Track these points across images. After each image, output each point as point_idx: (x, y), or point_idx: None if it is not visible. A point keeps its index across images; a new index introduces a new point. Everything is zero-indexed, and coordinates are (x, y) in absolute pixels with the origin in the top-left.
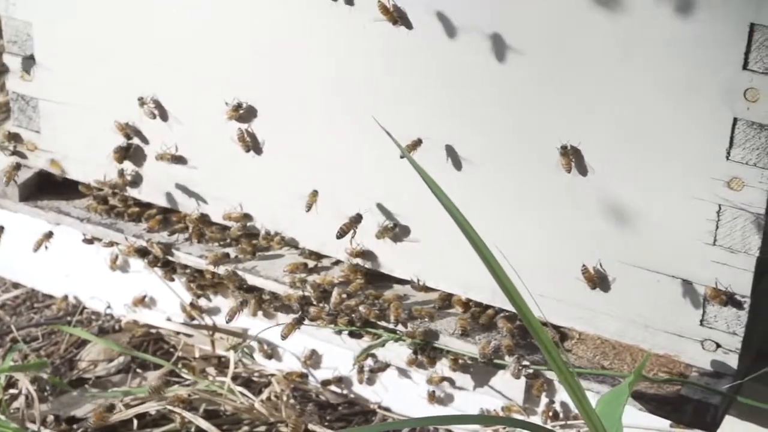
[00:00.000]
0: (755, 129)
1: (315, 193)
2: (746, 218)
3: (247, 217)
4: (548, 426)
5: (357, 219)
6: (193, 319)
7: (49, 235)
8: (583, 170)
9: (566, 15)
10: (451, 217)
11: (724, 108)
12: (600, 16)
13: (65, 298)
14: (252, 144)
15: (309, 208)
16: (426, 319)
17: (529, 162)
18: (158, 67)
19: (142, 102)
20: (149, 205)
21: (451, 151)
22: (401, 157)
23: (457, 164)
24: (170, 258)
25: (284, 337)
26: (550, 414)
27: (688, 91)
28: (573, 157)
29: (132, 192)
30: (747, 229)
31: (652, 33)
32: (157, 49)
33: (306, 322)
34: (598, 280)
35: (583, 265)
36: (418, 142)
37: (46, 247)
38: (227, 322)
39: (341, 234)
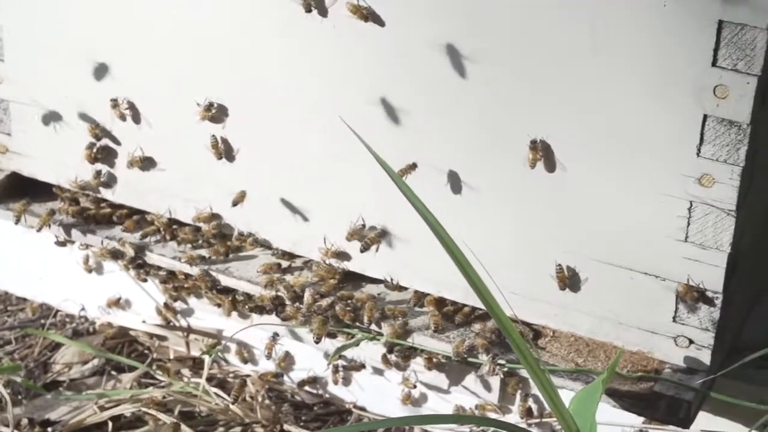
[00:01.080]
0: (725, 126)
1: (243, 194)
2: (717, 215)
3: (215, 217)
4: (524, 423)
5: (381, 234)
6: (167, 320)
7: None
8: (552, 166)
9: (535, 13)
10: (420, 216)
11: (693, 105)
12: (568, 13)
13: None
14: (224, 152)
15: (235, 204)
16: (401, 318)
17: (500, 160)
18: (129, 68)
19: (115, 104)
20: (121, 207)
21: (418, 149)
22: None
23: (426, 163)
24: (143, 259)
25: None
26: (526, 411)
27: (658, 89)
28: (542, 153)
29: (105, 193)
30: (718, 225)
31: (621, 30)
32: (127, 51)
33: (280, 321)
34: (570, 281)
35: (558, 265)
36: (412, 166)
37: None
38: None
39: (365, 248)
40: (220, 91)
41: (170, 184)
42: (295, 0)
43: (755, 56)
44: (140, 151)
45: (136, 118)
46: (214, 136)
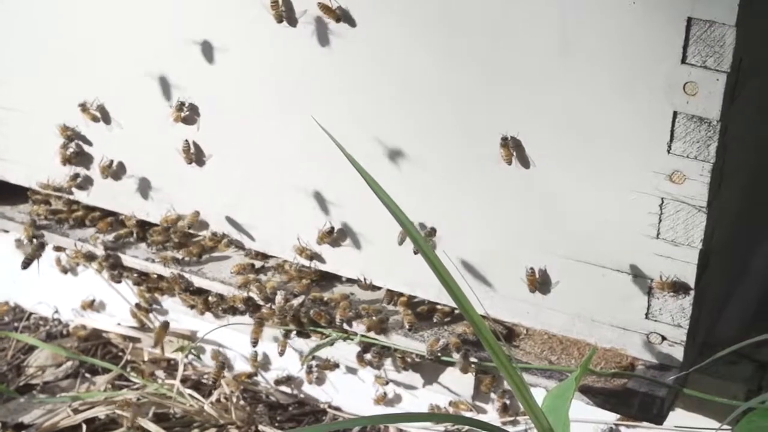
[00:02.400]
0: (695, 122)
1: (196, 214)
2: (688, 211)
3: (180, 217)
4: (500, 420)
5: (431, 233)
6: (142, 322)
7: None
8: (524, 162)
9: (505, 11)
10: (392, 215)
11: (664, 102)
12: (537, 11)
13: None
14: (195, 157)
15: (189, 227)
16: (375, 316)
17: (471, 157)
18: (100, 71)
19: (84, 107)
20: (94, 209)
21: (391, 148)
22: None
23: (399, 162)
24: (116, 259)
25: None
26: (502, 407)
27: (628, 86)
28: (514, 149)
29: (79, 195)
30: (689, 222)
31: (590, 28)
32: (99, 53)
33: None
34: (540, 285)
35: (531, 268)
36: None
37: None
38: None
39: (402, 240)
40: (192, 92)
41: (143, 186)
42: (266, 10)
43: (724, 53)
44: (107, 159)
45: (107, 119)
46: (186, 141)
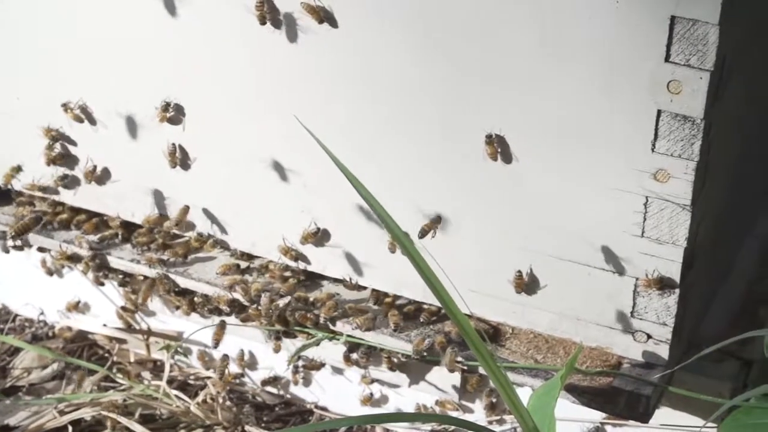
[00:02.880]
0: (679, 121)
1: (186, 209)
2: (673, 209)
3: (163, 218)
4: (487, 419)
5: (437, 220)
6: (128, 323)
7: None
8: (508, 159)
9: (489, 11)
10: (376, 215)
11: (647, 100)
12: (520, 10)
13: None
14: (180, 160)
15: (177, 223)
16: (361, 315)
17: (455, 158)
18: (84, 71)
19: (66, 107)
20: (79, 211)
21: (375, 148)
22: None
23: (383, 161)
24: (101, 259)
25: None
26: (489, 406)
27: (612, 85)
28: (498, 146)
29: (64, 196)
30: (674, 220)
31: (574, 27)
32: (80, 54)
33: (240, 322)
34: (527, 286)
35: (519, 271)
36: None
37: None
38: None
39: (422, 234)
40: (176, 93)
41: (128, 187)
42: (250, 12)
43: (707, 51)
44: (91, 163)
45: (91, 120)
46: (173, 144)
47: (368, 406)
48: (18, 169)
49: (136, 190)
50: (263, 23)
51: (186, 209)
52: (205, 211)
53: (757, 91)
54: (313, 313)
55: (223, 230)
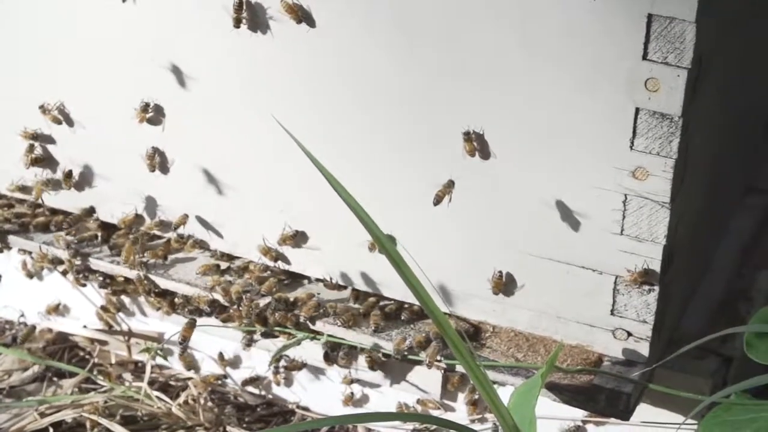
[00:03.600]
0: (657, 118)
1: (185, 216)
2: (652, 207)
3: (139, 218)
4: (468, 418)
5: (450, 184)
6: (109, 325)
7: None
8: (486, 156)
9: (465, 10)
10: (354, 214)
11: (625, 98)
12: (497, 9)
13: None
14: (159, 164)
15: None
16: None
17: (433, 157)
18: (62, 72)
19: (44, 109)
20: (57, 212)
21: (354, 148)
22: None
23: (361, 162)
24: (84, 262)
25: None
26: (471, 403)
27: (590, 83)
28: (477, 143)
29: (45, 198)
30: (653, 217)
31: (551, 26)
32: (61, 55)
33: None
34: (504, 287)
35: (499, 272)
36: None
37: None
38: None
39: (438, 201)
40: (154, 93)
41: (107, 188)
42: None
43: (685, 49)
44: (67, 168)
45: (70, 122)
46: (152, 147)
47: (350, 406)
48: None
49: (115, 191)
50: (237, 27)
51: (185, 216)
52: (186, 212)
53: (735, 88)
54: (294, 314)
55: (202, 230)
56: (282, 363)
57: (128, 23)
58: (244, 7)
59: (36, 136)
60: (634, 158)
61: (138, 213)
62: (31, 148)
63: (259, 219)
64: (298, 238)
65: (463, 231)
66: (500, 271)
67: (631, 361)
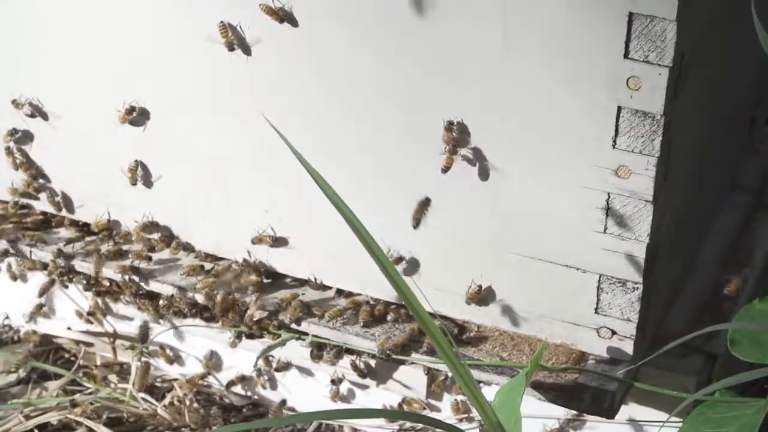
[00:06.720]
0: (639, 117)
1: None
2: (635, 205)
3: (111, 222)
4: (454, 417)
5: (426, 202)
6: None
7: None
8: (464, 144)
9: (446, 8)
10: (340, 213)
11: (607, 97)
12: (479, 8)
13: None
14: (142, 178)
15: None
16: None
17: (416, 156)
18: (44, 73)
19: (16, 104)
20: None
21: (339, 148)
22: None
23: (346, 161)
24: (68, 264)
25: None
26: (455, 405)
27: (572, 81)
28: (456, 133)
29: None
30: (636, 216)
31: (533, 26)
32: (46, 54)
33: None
34: (479, 300)
35: (478, 285)
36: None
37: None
38: None
39: (417, 223)
40: (139, 93)
41: (91, 190)
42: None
43: (666, 47)
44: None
45: (44, 116)
46: (136, 161)
47: (337, 402)
48: None
49: (98, 194)
50: (231, 50)
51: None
52: (171, 214)
53: (716, 87)
54: (276, 318)
55: (187, 232)
56: (265, 363)
57: (110, 23)
58: (229, 31)
59: (16, 137)
60: (617, 157)
61: (111, 218)
62: (11, 150)
63: (244, 220)
64: (280, 241)
65: (445, 230)
66: (479, 285)
67: (616, 359)
